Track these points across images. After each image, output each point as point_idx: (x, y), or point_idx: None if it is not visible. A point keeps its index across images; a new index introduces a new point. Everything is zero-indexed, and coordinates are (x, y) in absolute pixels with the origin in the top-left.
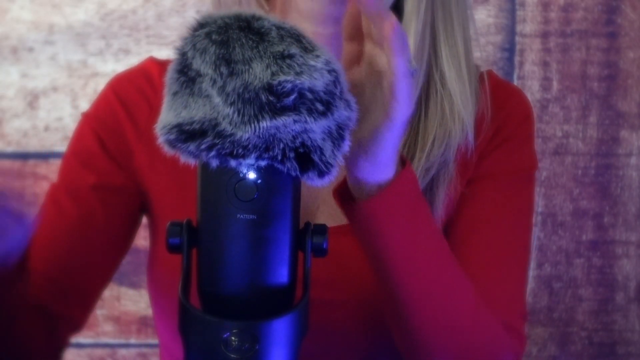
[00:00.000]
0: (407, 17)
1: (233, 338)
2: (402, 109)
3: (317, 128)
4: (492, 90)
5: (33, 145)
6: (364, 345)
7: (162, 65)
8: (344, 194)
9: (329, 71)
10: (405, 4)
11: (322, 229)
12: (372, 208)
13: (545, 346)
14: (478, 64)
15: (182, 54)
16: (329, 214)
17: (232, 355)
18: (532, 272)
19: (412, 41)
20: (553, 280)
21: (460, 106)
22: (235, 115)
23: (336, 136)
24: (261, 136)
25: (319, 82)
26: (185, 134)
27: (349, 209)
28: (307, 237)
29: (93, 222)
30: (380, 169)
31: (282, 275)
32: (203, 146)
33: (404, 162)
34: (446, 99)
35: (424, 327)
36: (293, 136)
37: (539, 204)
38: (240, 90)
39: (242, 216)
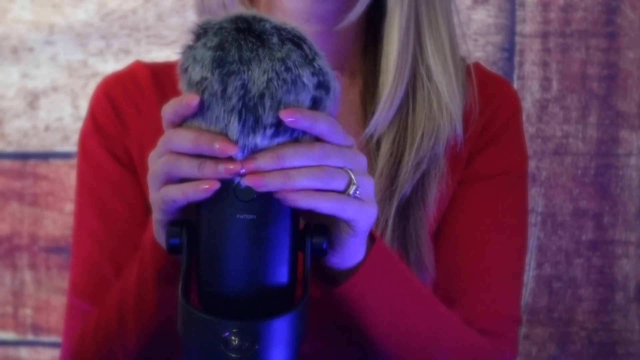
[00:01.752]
0: (390, 12)
1: (233, 337)
2: (364, 225)
3: None
4: (480, 83)
5: (33, 145)
6: (359, 344)
7: (148, 68)
8: (317, 277)
9: (312, 97)
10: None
11: (322, 229)
12: (344, 293)
13: (545, 346)
14: (466, 57)
15: (184, 69)
16: None
17: (232, 355)
18: (532, 272)
19: (396, 36)
20: (553, 280)
21: (447, 99)
22: (236, 122)
23: None
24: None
25: (305, 100)
26: None
27: (323, 290)
28: (307, 238)
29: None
30: (348, 259)
31: (281, 275)
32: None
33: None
34: (433, 93)
35: None
36: None
37: (539, 204)
38: (241, 93)
39: (242, 216)
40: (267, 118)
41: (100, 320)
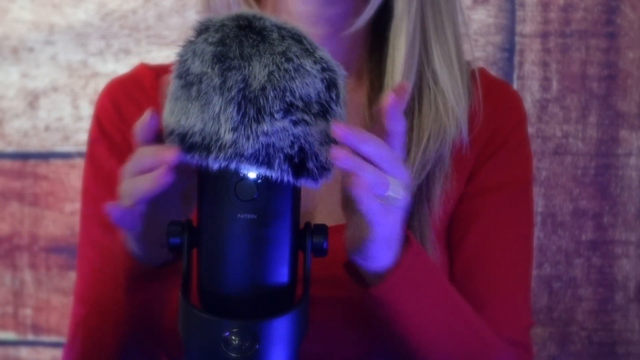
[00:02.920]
0: (398, 18)
1: (233, 337)
2: (382, 228)
3: (315, 132)
4: (485, 89)
5: (33, 145)
6: (363, 342)
7: (153, 70)
8: (352, 269)
9: (322, 79)
10: (395, 5)
11: (322, 229)
12: (377, 295)
13: (545, 346)
14: (471, 60)
15: (183, 61)
16: (328, 213)
17: (232, 355)
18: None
19: (403, 41)
20: (553, 280)
21: (453, 103)
22: (235, 113)
23: (333, 140)
24: (262, 143)
25: (310, 88)
26: (188, 145)
27: (358, 288)
28: (307, 237)
29: None
30: (373, 262)
31: (282, 274)
32: (207, 160)
33: (408, 236)
34: (439, 96)
35: None
36: (291, 141)
37: (539, 204)
38: (241, 86)
39: (242, 216)
40: (273, 106)
41: (87, 321)
